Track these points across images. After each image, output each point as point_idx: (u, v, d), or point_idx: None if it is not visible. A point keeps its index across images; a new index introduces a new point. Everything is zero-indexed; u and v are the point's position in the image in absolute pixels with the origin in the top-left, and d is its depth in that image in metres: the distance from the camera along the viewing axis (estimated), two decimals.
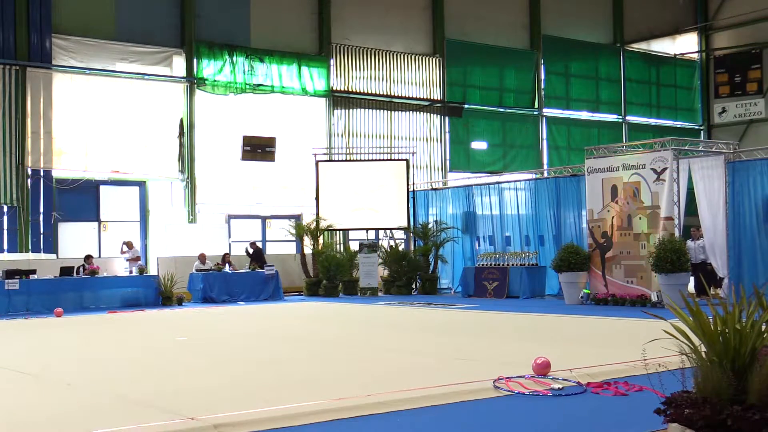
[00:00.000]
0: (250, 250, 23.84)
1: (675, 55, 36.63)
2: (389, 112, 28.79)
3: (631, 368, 7.97)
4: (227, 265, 22.76)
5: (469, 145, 30.55)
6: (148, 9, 24.63)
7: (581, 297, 18.86)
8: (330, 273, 23.68)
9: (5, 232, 22.35)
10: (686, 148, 18.78)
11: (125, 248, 22.36)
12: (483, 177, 28.16)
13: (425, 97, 29.59)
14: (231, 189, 25.66)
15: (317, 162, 25.17)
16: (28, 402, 7.43)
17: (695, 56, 37.02)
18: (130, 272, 21.59)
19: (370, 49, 28.52)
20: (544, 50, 32.42)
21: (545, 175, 24.76)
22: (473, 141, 30.62)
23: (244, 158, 25.30)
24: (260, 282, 22.69)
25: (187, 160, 24.77)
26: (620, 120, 34.81)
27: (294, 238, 25.35)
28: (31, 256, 21.72)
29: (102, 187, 23.96)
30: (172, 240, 23.89)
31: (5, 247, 22.31)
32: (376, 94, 28.56)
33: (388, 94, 28.83)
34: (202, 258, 22.49)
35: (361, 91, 28.30)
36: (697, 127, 36.82)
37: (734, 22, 35.27)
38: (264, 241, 26.60)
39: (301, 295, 24.23)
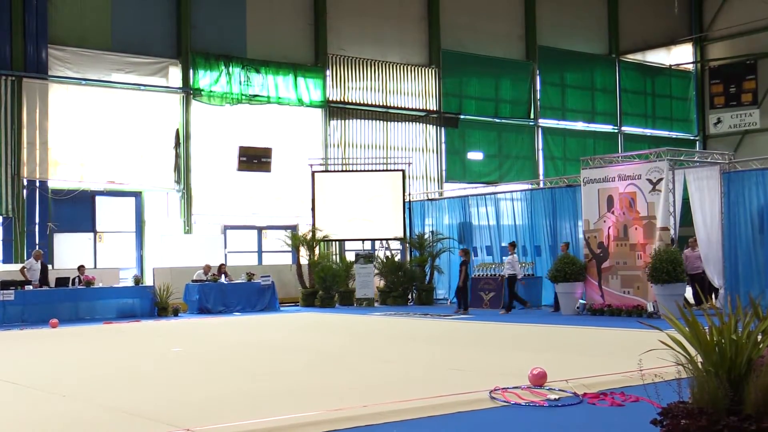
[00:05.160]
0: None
1: (670, 65, 36.75)
2: (385, 122, 28.81)
3: (628, 379, 7.97)
4: (223, 275, 22.72)
5: (465, 156, 30.58)
6: (144, 20, 24.65)
7: (577, 307, 18.85)
8: (326, 283, 23.65)
9: (0, 242, 22.31)
10: (682, 158, 18.81)
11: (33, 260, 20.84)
12: (479, 187, 28.17)
13: (421, 108, 29.62)
14: (227, 199, 25.63)
15: (313, 172, 25.16)
16: (24, 414, 7.40)
17: (690, 67, 37.13)
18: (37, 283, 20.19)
19: (366, 59, 28.57)
20: (540, 61, 32.50)
21: (541, 185, 24.79)
22: (469, 151, 30.65)
23: (240, 169, 25.29)
24: (256, 293, 22.65)
25: (183, 171, 24.75)
26: (616, 130, 34.88)
27: (290, 249, 25.32)
28: None
29: (98, 198, 23.94)
30: (168, 251, 23.85)
31: (0, 257, 22.27)
32: (372, 105, 28.58)
33: (384, 104, 28.85)
34: (206, 269, 22.40)
35: (357, 101, 28.32)
36: (692, 138, 36.91)
37: (729, 32, 35.41)
38: (260, 251, 26.57)
39: (297, 305, 24.18)
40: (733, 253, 18.02)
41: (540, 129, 32.60)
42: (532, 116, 32.37)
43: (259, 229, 26.61)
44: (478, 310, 20.78)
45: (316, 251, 24.76)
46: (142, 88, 24.42)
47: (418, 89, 29.68)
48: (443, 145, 30.02)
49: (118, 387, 8.91)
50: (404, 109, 29.23)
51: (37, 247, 21.87)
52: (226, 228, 25.80)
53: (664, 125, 36.41)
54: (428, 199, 27.07)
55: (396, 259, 25.61)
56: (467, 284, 20.95)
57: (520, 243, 22.95)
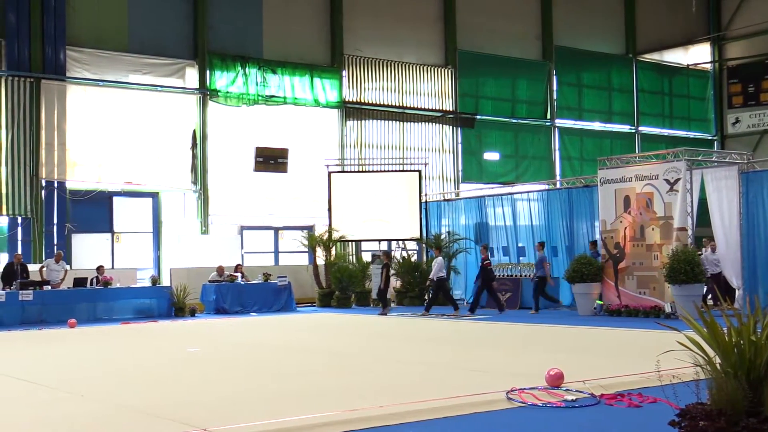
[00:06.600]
0: None
1: (688, 65, 36.55)
2: (401, 123, 28.80)
3: (645, 380, 7.93)
4: (240, 276, 22.77)
5: (482, 156, 30.53)
6: (161, 21, 24.77)
7: (594, 308, 18.79)
8: (342, 284, 23.67)
9: (19, 243, 22.43)
10: (699, 158, 18.71)
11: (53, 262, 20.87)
12: (495, 188, 28.12)
13: (437, 108, 29.60)
14: (243, 200, 25.70)
15: (330, 173, 25.18)
16: (42, 413, 7.45)
17: (708, 66, 36.92)
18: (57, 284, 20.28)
19: (382, 60, 28.57)
20: (557, 61, 32.41)
21: (558, 185, 24.71)
22: (486, 152, 30.60)
23: (256, 169, 25.35)
24: (273, 293, 22.70)
25: (199, 172, 24.84)
26: (633, 130, 34.73)
27: (306, 249, 25.36)
28: None
29: (115, 199, 24.06)
30: (185, 251, 23.94)
31: None
32: (388, 105, 28.58)
33: (401, 105, 28.85)
34: (220, 271, 22.48)
35: (374, 102, 28.33)
36: (710, 138, 36.70)
37: (747, 32, 35.17)
38: (276, 252, 26.62)
39: (314, 306, 24.22)
40: (752, 253, 17.90)
41: (557, 129, 32.50)
42: (548, 116, 32.28)
43: (276, 230, 26.66)
44: (493, 311, 20.72)
45: (333, 252, 24.78)
46: (159, 89, 24.53)
47: (434, 90, 29.66)
48: (460, 146, 30.00)
49: (135, 387, 8.95)
50: (420, 109, 29.21)
51: (56, 248, 22.00)
52: (242, 228, 25.87)
53: (682, 125, 36.22)
54: (445, 200, 27.04)
55: (413, 259, 25.57)
56: (388, 287, 21.67)
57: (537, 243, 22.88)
